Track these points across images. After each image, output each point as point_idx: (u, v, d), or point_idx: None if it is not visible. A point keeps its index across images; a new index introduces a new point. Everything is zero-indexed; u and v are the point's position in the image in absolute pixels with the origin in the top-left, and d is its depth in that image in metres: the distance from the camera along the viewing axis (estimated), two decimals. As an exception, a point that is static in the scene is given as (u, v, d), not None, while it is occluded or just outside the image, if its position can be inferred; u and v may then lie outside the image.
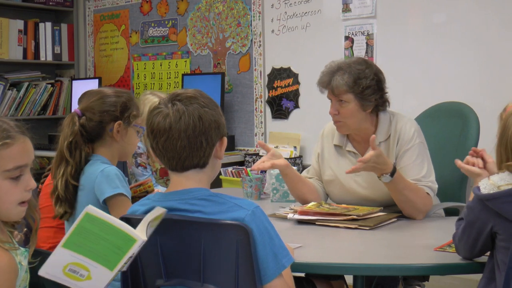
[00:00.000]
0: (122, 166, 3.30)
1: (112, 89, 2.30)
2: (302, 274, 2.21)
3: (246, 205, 1.60)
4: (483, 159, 2.04)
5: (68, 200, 2.21)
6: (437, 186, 2.49)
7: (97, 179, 2.16)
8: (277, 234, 1.61)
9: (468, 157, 2.06)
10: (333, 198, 2.64)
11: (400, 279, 2.64)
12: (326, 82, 2.50)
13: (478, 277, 1.82)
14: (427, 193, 2.44)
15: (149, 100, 3.47)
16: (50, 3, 5.73)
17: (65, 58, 5.79)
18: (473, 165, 2.03)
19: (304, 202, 2.56)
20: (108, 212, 2.16)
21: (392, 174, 2.34)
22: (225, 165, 4.28)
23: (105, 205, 2.17)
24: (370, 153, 2.29)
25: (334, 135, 2.65)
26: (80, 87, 5.35)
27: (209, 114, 1.66)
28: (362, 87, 2.45)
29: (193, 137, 1.63)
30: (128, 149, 2.29)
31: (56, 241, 2.52)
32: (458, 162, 2.06)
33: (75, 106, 2.64)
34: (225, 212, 1.60)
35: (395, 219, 2.38)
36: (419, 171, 2.46)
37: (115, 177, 2.17)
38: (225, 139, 1.70)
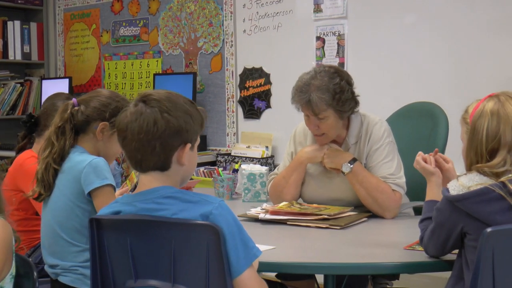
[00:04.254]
0: None
1: (114, 93, 2.34)
2: (273, 274, 2.22)
3: (212, 199, 1.60)
4: (444, 160, 2.08)
5: (45, 182, 2.22)
6: (404, 180, 2.49)
7: (85, 170, 2.17)
8: (243, 227, 1.61)
9: (423, 154, 2.08)
10: (305, 198, 2.65)
11: (370, 278, 2.66)
12: (304, 103, 2.46)
13: (447, 274, 1.84)
14: (394, 190, 2.46)
15: None
16: (19, 1, 5.65)
17: (34, 57, 5.72)
18: (426, 162, 2.06)
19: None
20: (92, 203, 2.17)
21: (352, 162, 2.44)
22: (197, 165, 4.27)
23: (90, 196, 2.18)
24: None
25: (307, 136, 2.66)
26: (50, 87, 5.28)
27: (166, 120, 1.60)
28: (341, 101, 2.45)
29: (145, 141, 1.60)
30: (110, 153, 2.31)
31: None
32: (417, 158, 2.08)
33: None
34: (191, 208, 1.59)
35: (366, 219, 2.40)
36: (388, 169, 2.49)
37: (103, 169, 2.19)
38: (188, 146, 1.65)
